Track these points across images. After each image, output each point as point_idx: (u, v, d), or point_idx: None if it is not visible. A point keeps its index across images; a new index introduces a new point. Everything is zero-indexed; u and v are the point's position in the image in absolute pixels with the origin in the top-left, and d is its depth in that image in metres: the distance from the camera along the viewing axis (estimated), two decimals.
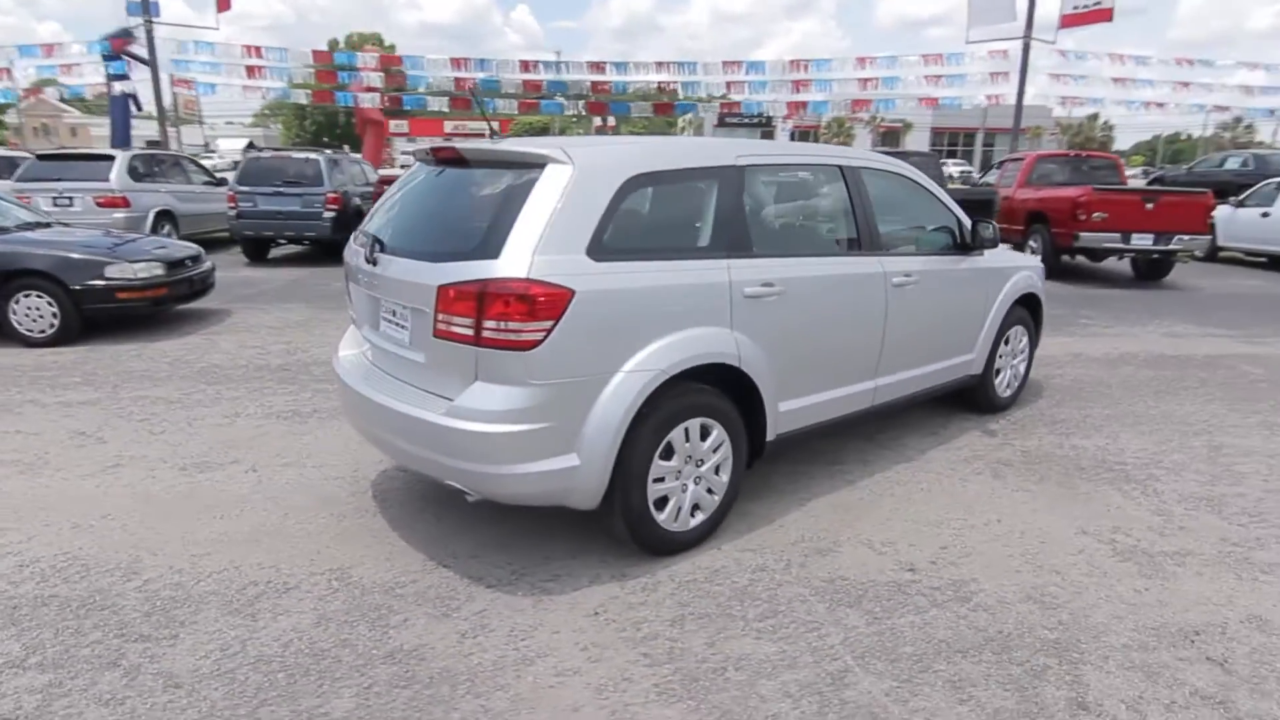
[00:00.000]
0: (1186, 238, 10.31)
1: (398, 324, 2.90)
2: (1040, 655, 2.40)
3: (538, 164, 2.65)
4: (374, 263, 2.92)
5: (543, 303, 2.45)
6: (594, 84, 25.72)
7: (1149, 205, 10.31)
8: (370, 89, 22.83)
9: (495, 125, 4.12)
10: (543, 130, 55.62)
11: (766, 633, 2.51)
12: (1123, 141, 50.79)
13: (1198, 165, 18.89)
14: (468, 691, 2.21)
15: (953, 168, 30.23)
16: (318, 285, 9.36)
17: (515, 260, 2.48)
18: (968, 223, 4.20)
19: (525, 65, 25.55)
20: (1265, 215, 12.36)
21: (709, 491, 3.04)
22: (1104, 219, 10.27)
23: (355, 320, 3.36)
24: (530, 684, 2.24)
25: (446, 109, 35.19)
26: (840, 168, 3.59)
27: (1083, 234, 10.33)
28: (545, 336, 2.47)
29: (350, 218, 11.23)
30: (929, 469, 3.90)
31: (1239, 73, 20.25)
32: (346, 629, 2.49)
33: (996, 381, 4.69)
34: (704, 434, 2.95)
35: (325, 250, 11.39)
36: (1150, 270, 11.11)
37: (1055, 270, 10.03)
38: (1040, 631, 2.53)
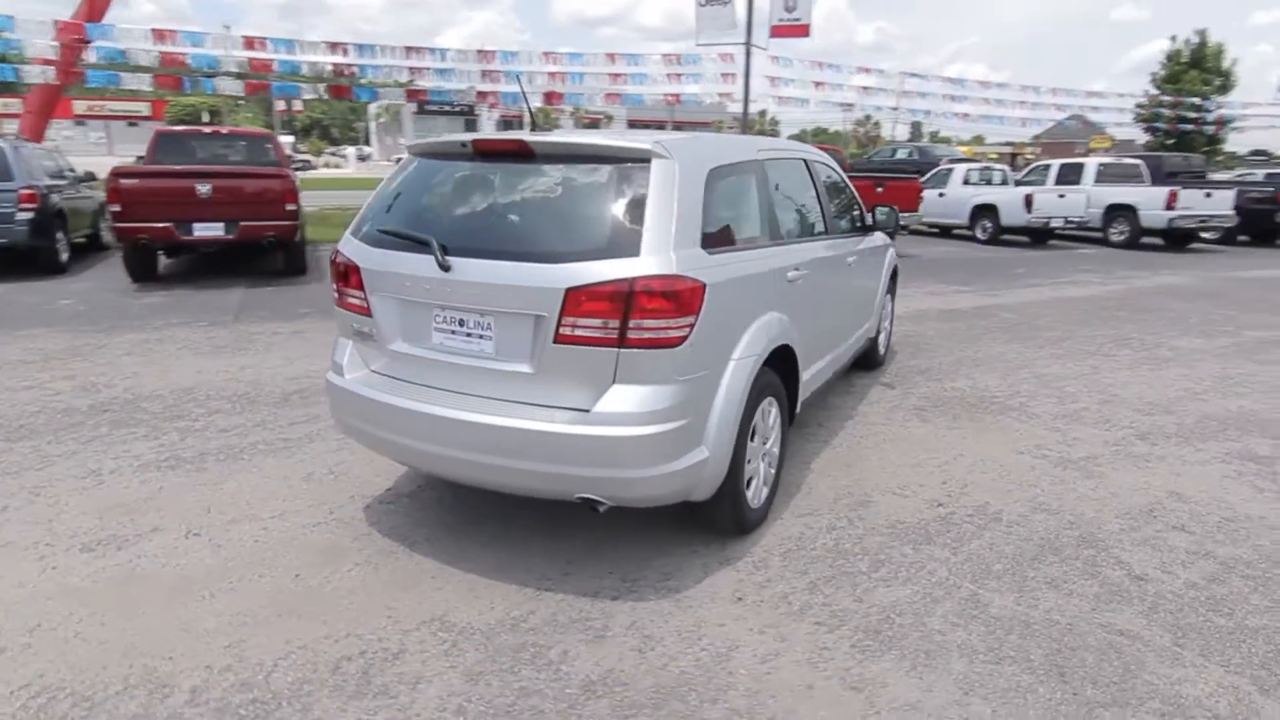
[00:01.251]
0: (904, 215, 12.65)
1: (470, 334, 2.62)
2: (1083, 549, 3.00)
3: (641, 158, 2.58)
4: (447, 268, 2.57)
5: (687, 298, 2.43)
6: (254, 62, 22.49)
7: (879, 189, 12.44)
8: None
9: (530, 115, 3.58)
10: (194, 115, 48.59)
11: (889, 579, 2.77)
12: (784, 134, 59.94)
13: (875, 155, 23.08)
14: (701, 699, 2.14)
15: None
16: (40, 304, 7.39)
17: (659, 257, 2.41)
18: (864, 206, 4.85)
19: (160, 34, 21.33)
20: (941, 195, 15.60)
21: (769, 466, 3.20)
22: None
23: (369, 335, 2.88)
24: (747, 677, 2.24)
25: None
26: (804, 160, 3.94)
27: None
28: (689, 332, 2.44)
29: (51, 219, 8.99)
30: (873, 422, 4.47)
31: (856, 76, 24.97)
32: (511, 676, 2.23)
33: (880, 340, 5.47)
34: (766, 413, 3.10)
35: (20, 260, 8.93)
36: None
37: None
38: (1065, 533, 3.14)
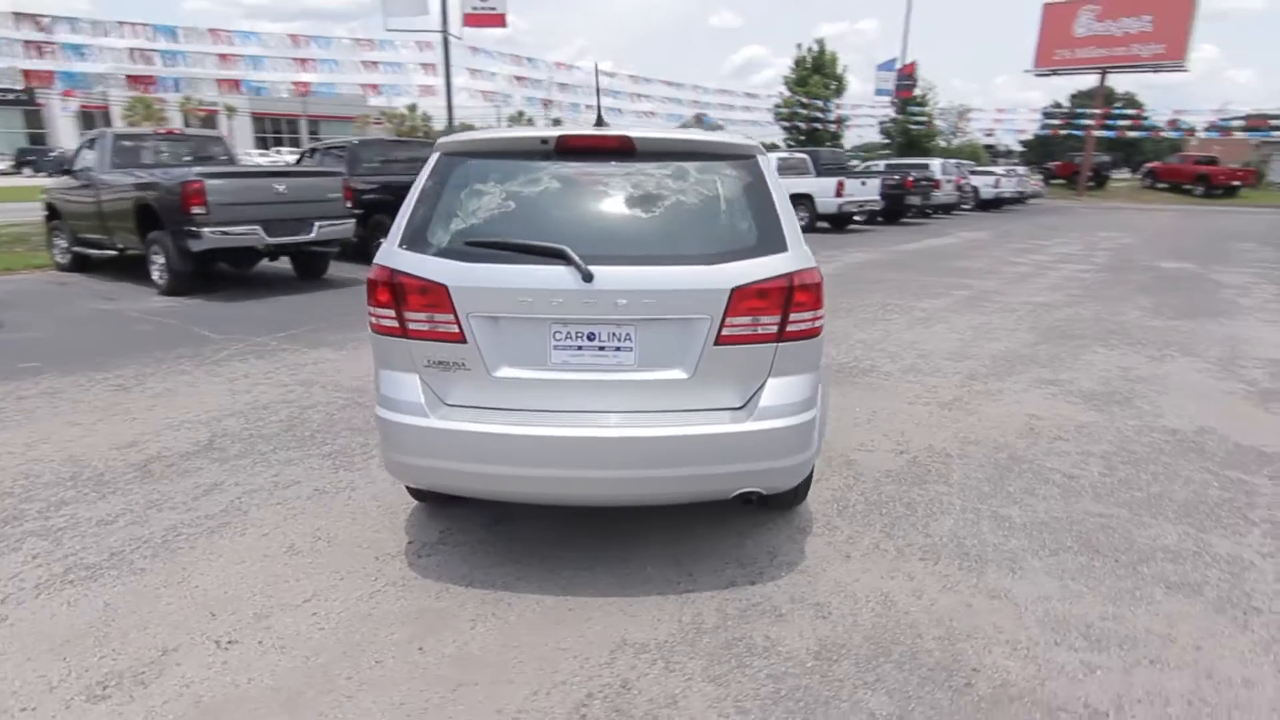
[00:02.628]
0: None
1: (603, 347, 2.57)
2: (1020, 465, 3.91)
3: (747, 154, 2.75)
4: (590, 277, 2.46)
5: (821, 289, 2.69)
6: None
7: None
8: None
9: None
10: None
11: (929, 514, 3.35)
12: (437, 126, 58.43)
13: None
14: (909, 638, 2.47)
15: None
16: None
17: (800, 250, 2.65)
18: None
19: None
20: None
21: None
22: None
23: (457, 364, 2.61)
24: (920, 612, 2.62)
25: None
26: None
27: None
28: (823, 321, 2.73)
29: None
30: None
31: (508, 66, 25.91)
32: (748, 669, 2.32)
33: None
34: None
35: None
36: None
37: None
38: (999, 455, 4.04)
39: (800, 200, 17.78)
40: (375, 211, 10.08)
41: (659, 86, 30.34)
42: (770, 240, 2.63)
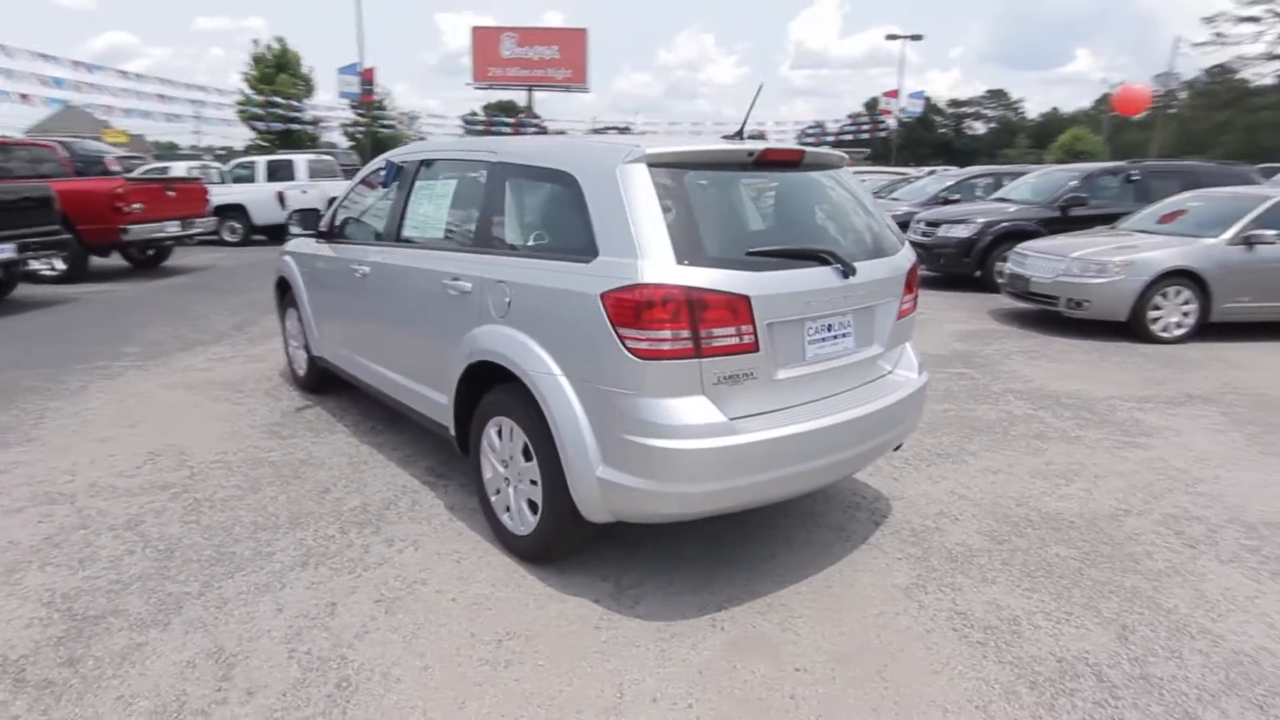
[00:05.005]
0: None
1: (837, 336, 2.93)
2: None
3: (840, 164, 3.33)
4: (853, 272, 2.88)
5: None
6: None
7: (170, 192, 10.76)
8: None
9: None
10: None
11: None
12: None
13: None
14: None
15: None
16: None
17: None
18: None
19: None
20: None
21: None
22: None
23: (745, 375, 2.64)
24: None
25: None
26: None
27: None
28: None
29: None
30: None
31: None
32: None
33: None
34: None
35: None
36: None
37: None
38: None
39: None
40: None
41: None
42: (894, 232, 3.33)
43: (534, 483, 2.95)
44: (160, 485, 3.83)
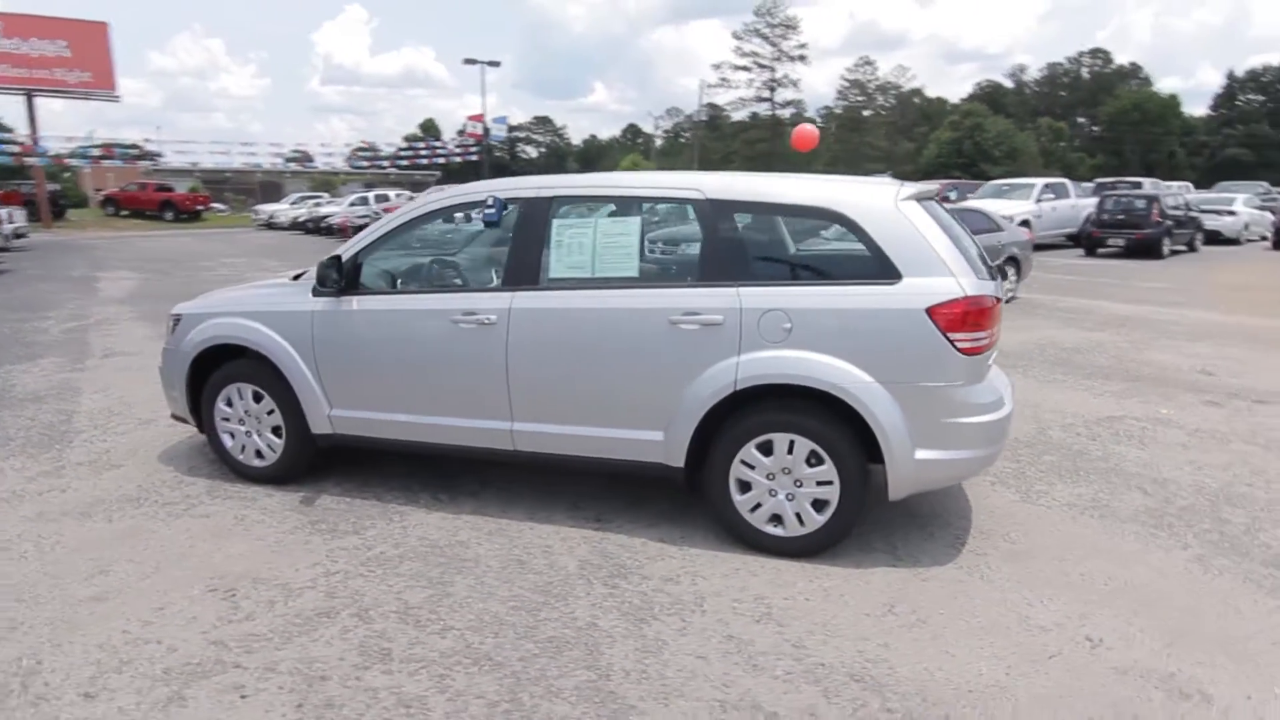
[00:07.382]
0: None
1: None
2: None
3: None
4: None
5: None
6: None
7: None
8: None
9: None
10: None
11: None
12: None
13: None
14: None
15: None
16: None
17: None
18: None
19: None
20: None
21: None
22: None
23: (990, 361, 3.60)
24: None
25: None
26: None
27: None
28: None
29: None
30: None
31: None
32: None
33: None
34: None
35: None
36: None
37: None
38: None
39: None
40: None
41: None
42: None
43: (821, 484, 3.42)
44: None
